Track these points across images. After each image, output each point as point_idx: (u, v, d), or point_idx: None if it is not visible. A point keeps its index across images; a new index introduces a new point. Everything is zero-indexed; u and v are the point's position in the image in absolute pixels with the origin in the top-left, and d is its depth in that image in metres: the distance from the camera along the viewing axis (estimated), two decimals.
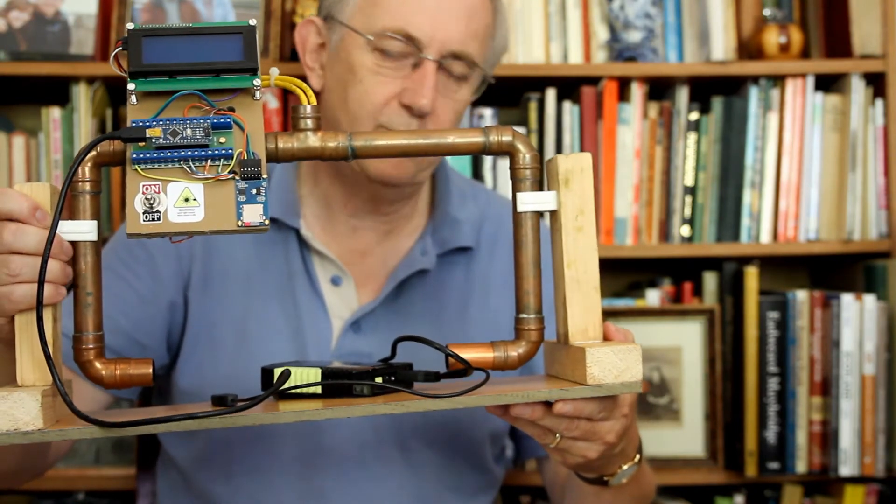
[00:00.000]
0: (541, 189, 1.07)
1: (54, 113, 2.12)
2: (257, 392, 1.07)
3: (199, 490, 1.44)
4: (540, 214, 1.08)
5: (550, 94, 2.17)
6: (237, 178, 0.97)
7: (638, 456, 1.27)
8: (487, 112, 2.17)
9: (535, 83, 2.18)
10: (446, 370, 1.09)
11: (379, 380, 1.06)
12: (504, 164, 2.13)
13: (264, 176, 0.97)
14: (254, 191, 0.97)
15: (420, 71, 1.34)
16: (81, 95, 2.11)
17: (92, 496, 2.16)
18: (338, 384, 1.06)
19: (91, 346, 1.01)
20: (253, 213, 0.97)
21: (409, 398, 1.02)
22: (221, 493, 1.42)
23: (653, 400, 2.17)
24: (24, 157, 2.12)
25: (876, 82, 2.20)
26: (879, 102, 2.20)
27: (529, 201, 1.06)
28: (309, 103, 1.04)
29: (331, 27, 1.41)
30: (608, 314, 2.17)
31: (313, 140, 1.04)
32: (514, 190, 1.06)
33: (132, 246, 1.43)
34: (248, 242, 1.44)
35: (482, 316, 1.46)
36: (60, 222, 0.98)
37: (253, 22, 1.00)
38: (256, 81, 0.99)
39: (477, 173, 2.16)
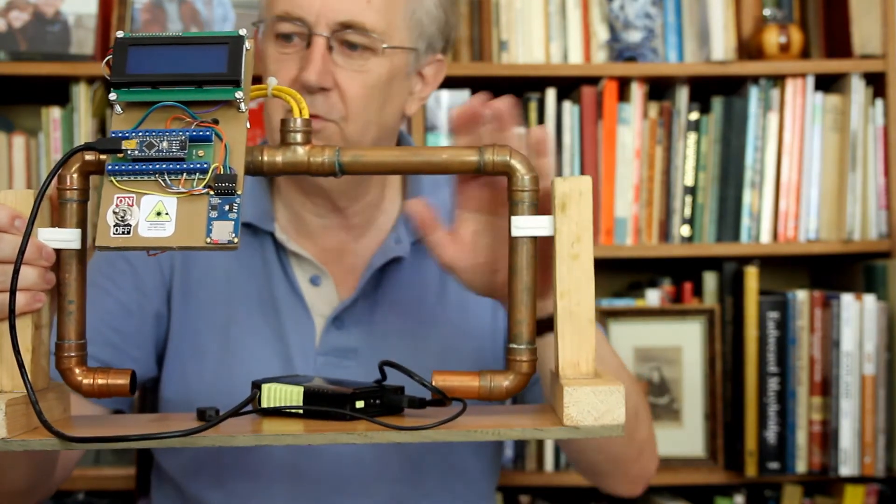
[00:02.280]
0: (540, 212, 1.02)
1: (54, 113, 2.12)
2: (242, 399, 1.06)
3: (191, 496, 1.43)
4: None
5: (550, 94, 2.17)
6: (211, 193, 0.94)
7: None
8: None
9: (535, 83, 2.18)
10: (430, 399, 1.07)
11: (360, 403, 1.03)
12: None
13: (239, 192, 0.95)
14: (226, 207, 0.94)
15: (310, 48, 1.34)
16: (81, 95, 2.11)
17: (92, 496, 2.16)
18: (318, 401, 1.04)
19: (73, 354, 1.00)
20: (222, 231, 0.94)
21: (379, 429, 0.99)
22: (214, 500, 1.42)
23: (653, 400, 2.17)
24: (24, 157, 2.12)
25: (876, 82, 2.20)
26: (879, 102, 2.20)
27: (524, 225, 1.01)
28: (301, 115, 1.01)
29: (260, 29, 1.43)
30: (608, 314, 2.17)
31: (301, 154, 1.01)
32: (510, 213, 1.01)
33: (114, 259, 1.43)
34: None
35: (461, 299, 1.45)
36: (44, 230, 0.98)
37: (243, 32, 0.98)
38: (238, 94, 0.97)
39: None
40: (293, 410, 1.04)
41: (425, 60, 1.43)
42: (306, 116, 1.02)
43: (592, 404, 0.97)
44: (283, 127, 1.02)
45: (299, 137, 1.01)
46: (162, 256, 1.42)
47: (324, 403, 1.03)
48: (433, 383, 1.04)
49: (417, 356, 1.36)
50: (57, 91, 2.16)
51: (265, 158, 1.00)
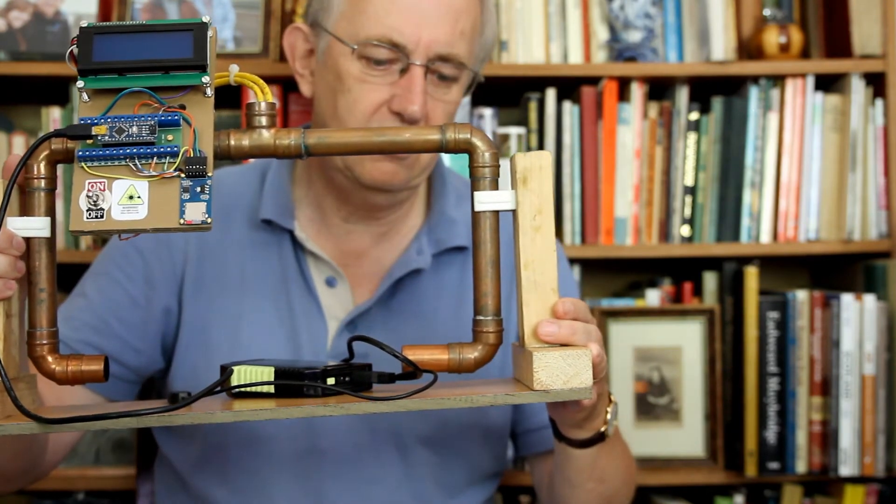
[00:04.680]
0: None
1: (54, 113, 2.12)
2: (218, 398, 1.06)
3: (196, 491, 1.44)
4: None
5: (550, 94, 2.17)
6: (182, 175, 0.96)
7: (610, 396, 1.27)
8: (487, 112, 2.17)
9: (535, 83, 2.18)
10: (400, 373, 1.08)
11: (332, 381, 1.04)
12: (504, 163, 2.13)
13: (210, 174, 0.96)
14: (198, 189, 0.96)
15: (408, 76, 1.33)
16: None
17: (92, 496, 2.16)
18: (289, 384, 1.05)
19: (45, 341, 1.01)
20: (195, 212, 0.96)
21: (352, 401, 1.01)
22: (218, 494, 1.42)
23: (653, 400, 2.17)
24: None
25: (876, 82, 2.20)
26: (879, 102, 2.20)
27: (487, 200, 1.04)
28: (265, 100, 1.03)
29: (317, 34, 1.41)
30: (608, 314, 2.17)
31: (266, 137, 1.03)
32: (472, 189, 1.04)
33: (127, 251, 1.43)
34: (242, 244, 1.43)
35: (454, 317, 1.45)
36: (13, 219, 0.99)
37: (206, 19, 1.00)
38: (205, 79, 0.98)
39: None
40: (265, 390, 1.05)
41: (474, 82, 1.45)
42: (270, 100, 1.03)
43: (561, 368, 1.00)
44: (248, 111, 1.03)
45: (264, 121, 1.03)
46: (175, 249, 1.42)
47: (295, 381, 1.05)
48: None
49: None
50: (57, 91, 2.16)
51: (232, 143, 1.02)
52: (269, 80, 2.12)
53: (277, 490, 1.40)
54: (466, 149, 1.05)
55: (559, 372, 1.00)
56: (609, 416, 1.26)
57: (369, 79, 1.34)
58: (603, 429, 1.26)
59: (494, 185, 1.04)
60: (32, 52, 2.12)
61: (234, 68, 1.03)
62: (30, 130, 2.18)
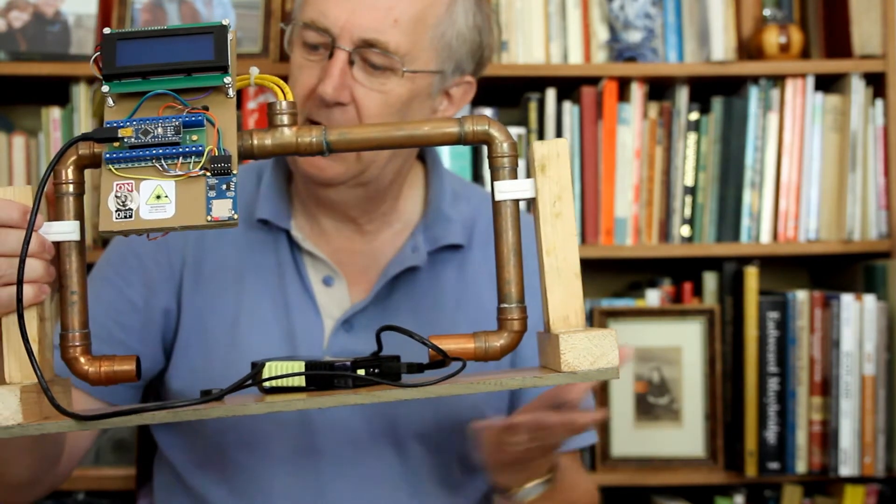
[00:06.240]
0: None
1: (54, 113, 2.12)
2: (248, 393, 1.07)
3: (195, 491, 1.44)
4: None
5: (550, 94, 2.17)
6: (208, 174, 0.98)
7: (549, 475, 1.29)
8: (488, 112, 2.17)
9: (535, 83, 2.18)
10: (428, 362, 1.09)
11: (361, 372, 1.06)
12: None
13: (234, 171, 0.98)
14: (224, 186, 0.98)
15: (331, 60, 1.34)
16: (81, 95, 2.11)
17: (92, 496, 2.16)
18: (320, 376, 1.06)
19: (77, 343, 1.03)
20: (222, 208, 0.98)
21: (383, 388, 1.02)
22: (217, 493, 1.42)
23: (653, 400, 2.17)
24: (24, 157, 2.12)
25: (876, 82, 2.20)
26: (879, 102, 2.20)
27: (507, 189, 1.05)
28: (286, 99, 1.04)
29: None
30: (608, 314, 2.17)
31: (288, 135, 1.04)
32: (492, 179, 1.05)
33: (124, 255, 1.44)
34: (239, 244, 1.44)
35: (475, 314, 1.45)
36: (45, 223, 1.01)
37: (225, 21, 1.01)
38: (227, 79, 1.00)
39: (477, 173, 2.16)
40: (296, 384, 1.06)
41: (452, 81, 1.42)
42: (290, 99, 1.04)
43: (588, 349, 1.01)
44: (269, 110, 1.04)
45: (286, 119, 1.04)
46: (172, 251, 1.43)
47: (325, 375, 1.06)
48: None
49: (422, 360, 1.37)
50: (57, 91, 2.16)
51: (255, 142, 1.03)
52: None
53: (276, 489, 1.40)
54: (485, 139, 1.05)
55: (586, 353, 1.01)
56: (531, 484, 1.27)
57: (306, 64, 1.36)
58: (517, 489, 1.28)
59: (514, 175, 1.05)
60: (32, 52, 2.12)
61: (255, 70, 1.04)
62: (30, 130, 2.18)
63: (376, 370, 1.07)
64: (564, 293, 1.05)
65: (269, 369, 1.07)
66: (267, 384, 1.06)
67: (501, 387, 1.02)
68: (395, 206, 1.46)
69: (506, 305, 1.06)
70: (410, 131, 1.06)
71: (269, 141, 1.04)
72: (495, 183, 1.05)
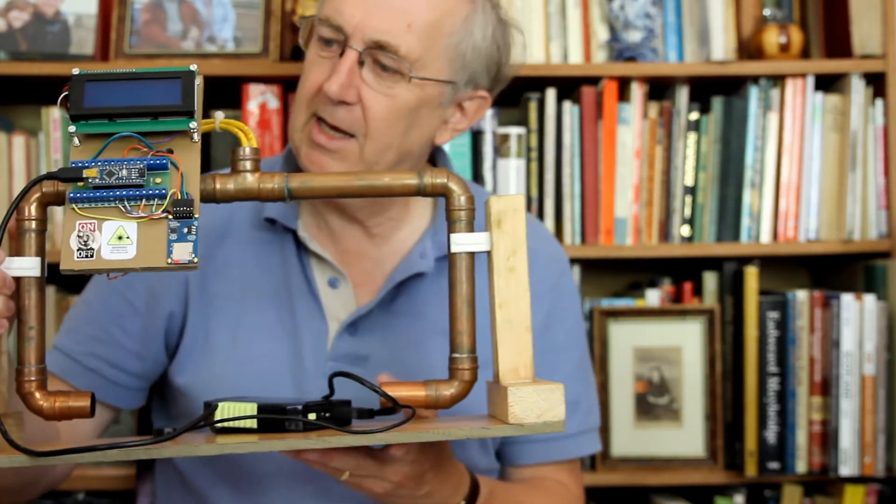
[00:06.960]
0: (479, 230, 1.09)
1: (54, 113, 2.12)
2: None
3: (197, 490, 1.44)
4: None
5: (550, 94, 2.17)
6: (170, 217, 1.00)
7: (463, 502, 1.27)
8: (488, 112, 2.17)
9: (535, 83, 2.18)
10: (379, 408, 1.11)
11: (313, 416, 1.08)
12: (504, 163, 2.13)
13: (196, 215, 1.00)
14: (185, 229, 1.00)
15: (341, 59, 1.34)
16: None
17: (92, 496, 2.16)
18: (271, 419, 1.08)
19: (33, 378, 1.04)
20: (182, 251, 1.00)
21: (332, 433, 1.05)
22: (218, 493, 1.42)
23: (653, 400, 2.17)
24: (24, 157, 2.12)
25: (876, 82, 2.20)
26: (879, 102, 2.20)
27: (462, 242, 1.08)
28: (249, 145, 1.07)
29: None
30: (608, 314, 2.17)
31: (251, 181, 1.07)
32: (449, 231, 1.09)
33: None
34: (245, 244, 1.44)
35: (480, 321, 1.45)
36: (7, 258, 1.02)
37: (193, 67, 1.04)
38: (192, 124, 1.02)
39: (476, 173, 2.16)
40: (248, 426, 1.09)
41: (465, 94, 1.42)
42: (254, 146, 1.07)
43: (535, 402, 1.04)
44: (233, 156, 1.07)
45: (248, 165, 1.07)
46: None
47: (276, 419, 1.08)
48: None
49: (425, 368, 1.37)
50: (57, 91, 2.14)
51: (217, 186, 1.06)
52: (269, 79, 2.13)
53: (277, 489, 1.40)
54: (443, 192, 1.09)
55: (534, 406, 1.04)
56: None
57: (318, 60, 1.37)
58: None
59: (470, 228, 1.09)
60: (32, 52, 2.12)
61: (220, 115, 1.07)
62: (30, 130, 2.18)
63: (327, 414, 1.09)
64: (515, 346, 1.08)
65: (222, 410, 1.09)
66: (219, 425, 1.08)
67: (449, 437, 1.05)
68: (405, 210, 1.46)
69: (457, 355, 1.09)
70: (371, 181, 1.09)
71: (232, 186, 1.07)
72: (452, 235, 1.08)
